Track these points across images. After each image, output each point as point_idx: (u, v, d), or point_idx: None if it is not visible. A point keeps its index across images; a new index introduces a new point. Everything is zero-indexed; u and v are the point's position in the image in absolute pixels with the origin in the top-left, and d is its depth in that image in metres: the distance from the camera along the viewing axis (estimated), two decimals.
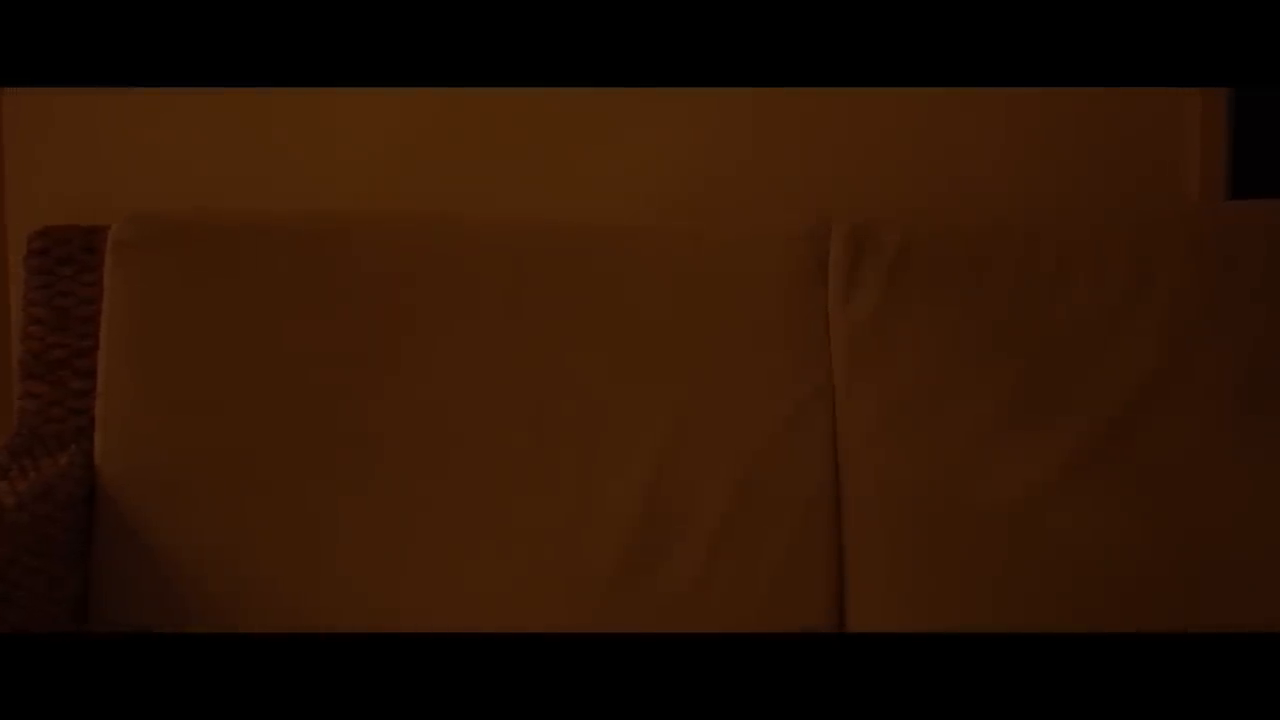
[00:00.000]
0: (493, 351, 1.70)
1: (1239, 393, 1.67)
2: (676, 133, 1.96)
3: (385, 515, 1.67)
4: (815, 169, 1.98)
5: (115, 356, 1.71)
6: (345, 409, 1.69)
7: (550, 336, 1.71)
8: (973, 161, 1.98)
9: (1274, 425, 1.66)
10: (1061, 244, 1.72)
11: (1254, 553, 1.64)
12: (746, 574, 1.67)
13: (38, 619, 1.56)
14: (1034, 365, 1.69)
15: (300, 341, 1.70)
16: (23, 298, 1.78)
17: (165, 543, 1.67)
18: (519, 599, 1.66)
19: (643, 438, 1.69)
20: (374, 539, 1.67)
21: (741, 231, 1.76)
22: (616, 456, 1.68)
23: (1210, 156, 1.98)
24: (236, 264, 1.72)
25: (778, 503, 1.68)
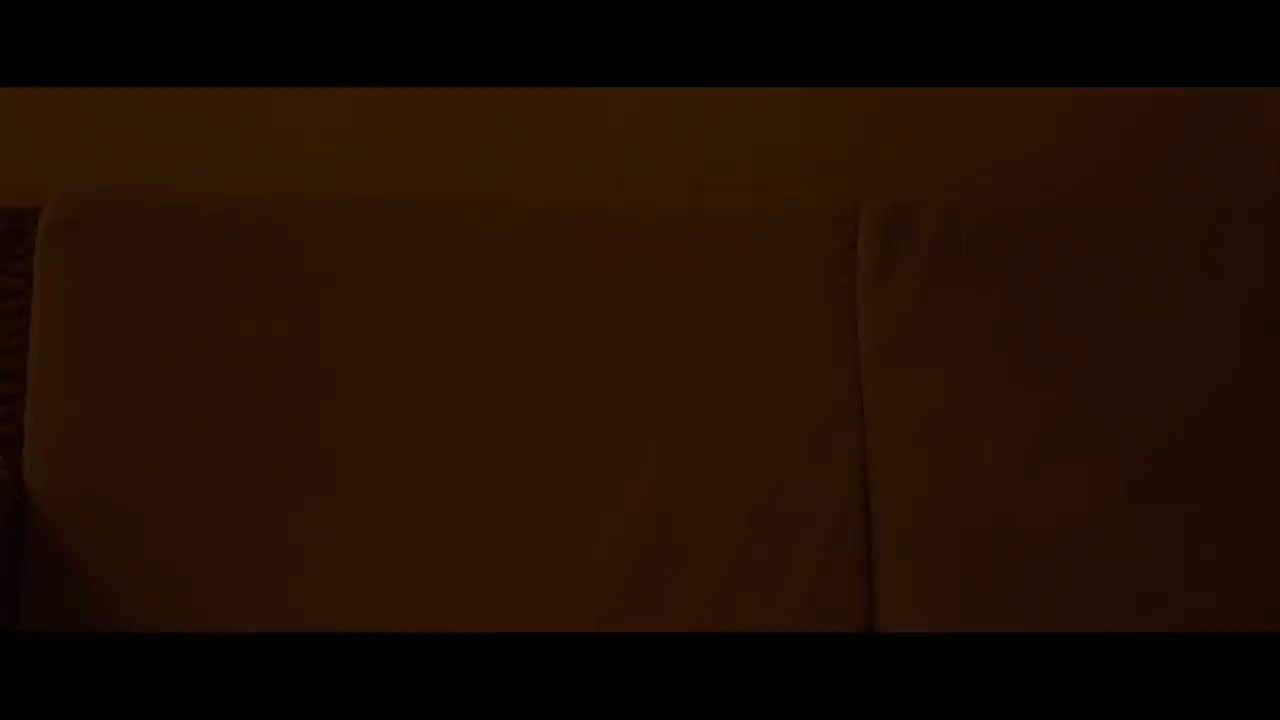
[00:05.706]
0: (471, 352, 1.61)
1: None
2: (679, 100, 1.85)
3: (349, 539, 1.58)
4: (843, 141, 1.89)
5: (46, 357, 1.61)
6: (306, 416, 1.60)
7: (536, 333, 1.62)
8: (1022, 140, 1.90)
9: None
10: (1123, 229, 1.66)
11: None
12: (764, 610, 1.58)
13: None
14: (1092, 367, 1.62)
15: (257, 339, 1.61)
16: None
17: (104, 568, 1.57)
18: None
19: (644, 452, 1.60)
20: (336, 566, 1.58)
21: (756, 210, 1.68)
22: (613, 474, 1.60)
23: None
24: (184, 251, 1.63)
25: (798, 528, 1.60)
